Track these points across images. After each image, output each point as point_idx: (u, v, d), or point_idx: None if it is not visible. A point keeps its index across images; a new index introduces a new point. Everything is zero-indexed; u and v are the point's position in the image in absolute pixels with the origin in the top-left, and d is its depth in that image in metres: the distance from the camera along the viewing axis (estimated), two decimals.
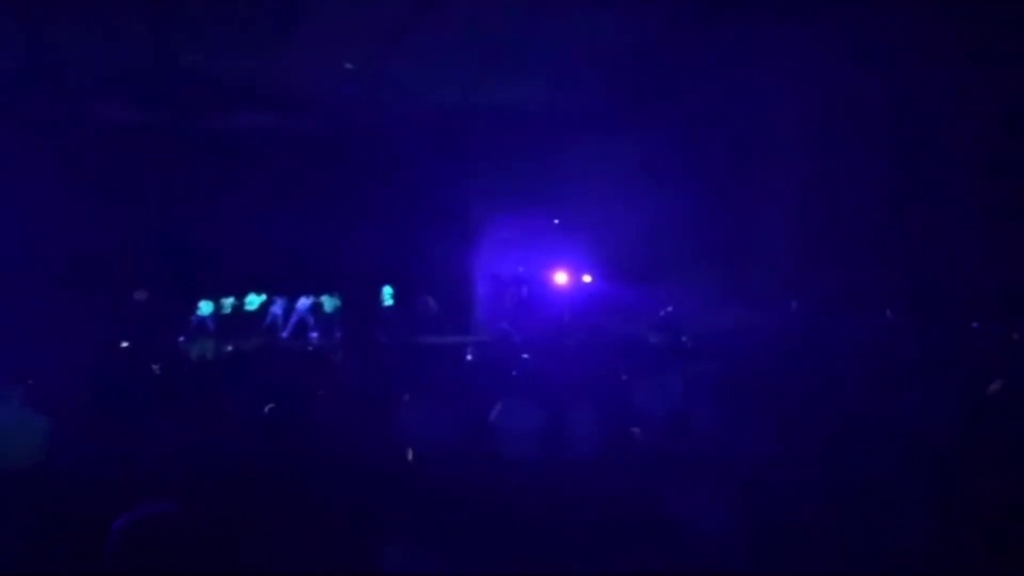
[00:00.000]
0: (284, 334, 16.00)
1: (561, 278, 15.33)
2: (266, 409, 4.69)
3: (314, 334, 16.10)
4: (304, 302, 16.33)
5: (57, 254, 13.53)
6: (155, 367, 7.54)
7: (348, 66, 13.16)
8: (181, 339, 14.84)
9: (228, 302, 16.02)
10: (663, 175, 14.10)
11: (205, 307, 15.80)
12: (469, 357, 9.41)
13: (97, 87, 13.30)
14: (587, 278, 15.41)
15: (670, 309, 13.79)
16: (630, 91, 14.03)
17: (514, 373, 6.21)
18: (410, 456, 4.30)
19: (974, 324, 9.56)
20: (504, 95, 14.46)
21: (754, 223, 14.84)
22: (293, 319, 16.32)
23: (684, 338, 9.07)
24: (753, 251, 14.74)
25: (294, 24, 12.32)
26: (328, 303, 16.51)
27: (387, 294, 16.33)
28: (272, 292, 16.26)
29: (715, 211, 14.69)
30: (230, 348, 12.55)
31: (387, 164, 14.52)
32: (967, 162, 12.18)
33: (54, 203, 13.45)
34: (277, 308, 16.31)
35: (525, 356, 7.62)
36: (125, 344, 11.50)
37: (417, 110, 14.50)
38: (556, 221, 15.81)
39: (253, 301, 16.23)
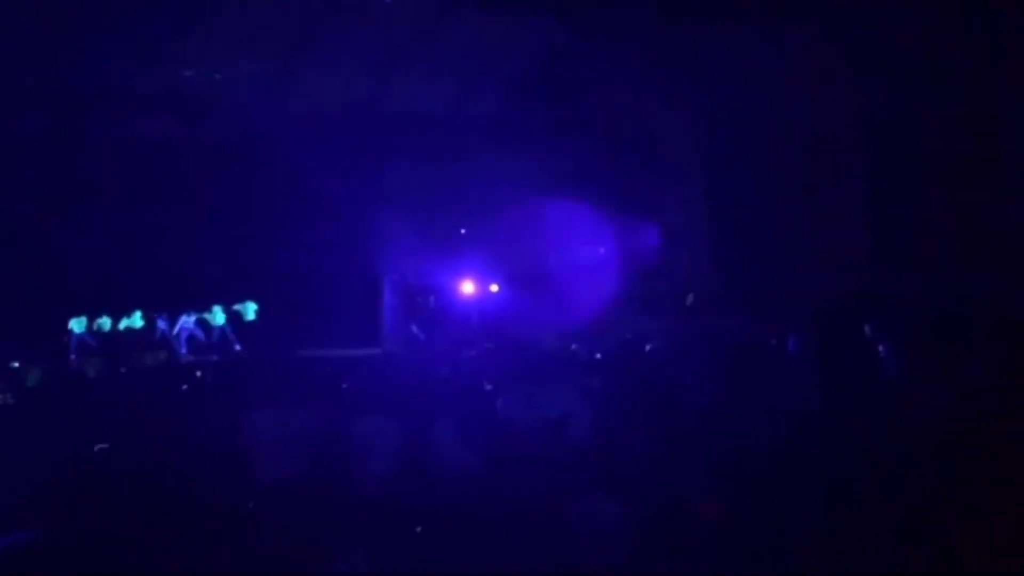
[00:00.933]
0: (183, 350, 15.43)
1: (468, 287, 15.26)
2: None
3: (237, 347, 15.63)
4: (187, 317, 15.73)
5: None
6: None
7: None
8: (72, 357, 14.24)
9: (105, 320, 15.29)
10: (568, 183, 14.19)
11: (77, 324, 14.98)
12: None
13: None
14: (494, 287, 15.38)
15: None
16: (532, 98, 14.14)
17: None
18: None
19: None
20: (408, 100, 14.40)
21: (664, 229, 15.02)
22: (183, 334, 15.70)
23: (574, 346, 9.09)
24: (664, 258, 14.90)
25: (185, 29, 12.08)
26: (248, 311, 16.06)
27: (250, 310, 15.92)
28: (153, 307, 15.59)
29: (622, 218, 14.84)
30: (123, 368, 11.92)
31: (280, 169, 14.17)
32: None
33: None
34: (163, 323, 15.68)
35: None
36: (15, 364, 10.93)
37: (314, 113, 14.24)
38: (463, 231, 15.76)
39: (136, 317, 15.51)
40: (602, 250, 14.98)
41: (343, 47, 13.17)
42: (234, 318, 15.92)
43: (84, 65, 12.47)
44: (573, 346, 9.07)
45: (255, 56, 13.15)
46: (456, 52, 13.78)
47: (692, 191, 14.50)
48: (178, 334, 15.64)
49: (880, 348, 6.75)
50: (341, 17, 12.61)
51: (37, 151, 13.62)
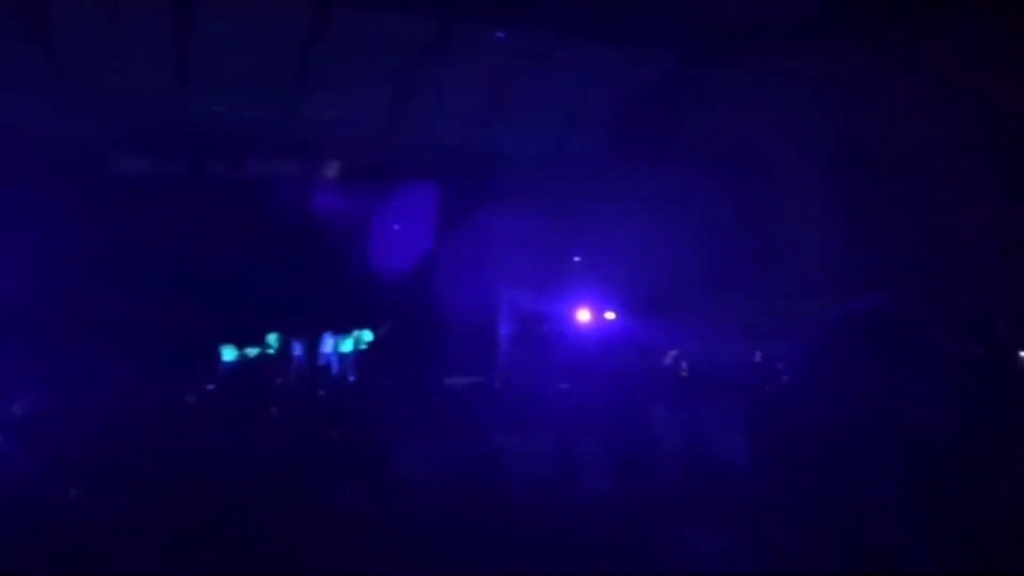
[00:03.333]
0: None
1: (584, 315, 15.20)
2: None
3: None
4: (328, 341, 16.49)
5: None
6: None
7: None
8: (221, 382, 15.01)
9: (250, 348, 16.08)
10: (684, 207, 14.08)
11: (228, 352, 15.83)
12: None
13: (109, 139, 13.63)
14: (610, 315, 15.27)
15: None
16: (632, 131, 14.14)
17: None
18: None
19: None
20: (521, 134, 14.61)
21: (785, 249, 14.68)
22: (333, 360, 16.44)
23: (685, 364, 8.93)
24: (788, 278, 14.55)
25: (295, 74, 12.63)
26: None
27: (365, 338, 16.42)
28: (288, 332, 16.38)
29: (740, 240, 14.59)
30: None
31: (395, 203, 14.62)
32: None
33: (73, 256, 13.75)
34: (298, 350, 16.43)
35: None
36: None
37: (437, 153, 14.67)
38: (577, 258, 15.77)
39: (272, 343, 16.33)
40: (721, 273, 14.70)
41: (453, 84, 13.46)
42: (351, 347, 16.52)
43: (214, 113, 13.34)
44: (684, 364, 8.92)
45: (367, 96, 13.62)
46: (565, 81, 13.88)
47: (812, 208, 14.13)
48: (310, 359, 16.34)
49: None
50: (451, 51, 12.86)
51: (179, 192, 14.61)
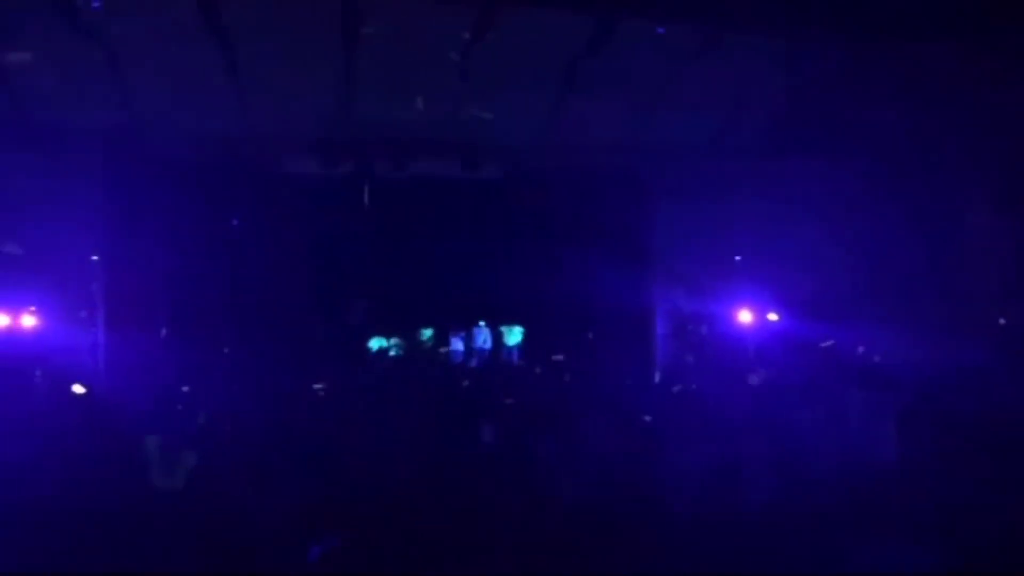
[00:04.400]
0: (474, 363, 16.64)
1: (745, 316, 14.66)
2: None
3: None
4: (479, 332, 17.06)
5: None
6: None
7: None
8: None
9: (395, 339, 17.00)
10: (849, 205, 13.40)
11: (376, 342, 16.76)
12: None
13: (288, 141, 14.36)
14: (772, 316, 14.66)
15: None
16: (810, 124, 13.53)
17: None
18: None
19: None
20: (681, 131, 14.30)
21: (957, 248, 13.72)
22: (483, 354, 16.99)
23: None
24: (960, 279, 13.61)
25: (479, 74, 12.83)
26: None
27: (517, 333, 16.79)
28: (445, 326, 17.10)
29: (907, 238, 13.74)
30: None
31: (555, 201, 14.66)
32: None
33: (254, 252, 14.66)
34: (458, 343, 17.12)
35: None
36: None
37: (596, 151, 14.59)
38: (738, 258, 15.27)
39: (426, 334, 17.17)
40: (891, 275, 13.88)
41: (613, 79, 13.30)
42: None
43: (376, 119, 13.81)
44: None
45: (528, 94, 13.69)
46: (727, 74, 13.44)
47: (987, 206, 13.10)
48: (468, 351, 16.99)
49: None
50: (612, 48, 12.70)
51: (344, 192, 15.29)
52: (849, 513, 3.71)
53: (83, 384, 9.83)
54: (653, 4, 11.75)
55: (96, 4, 11.08)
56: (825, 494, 3.92)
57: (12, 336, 12.49)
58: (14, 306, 12.61)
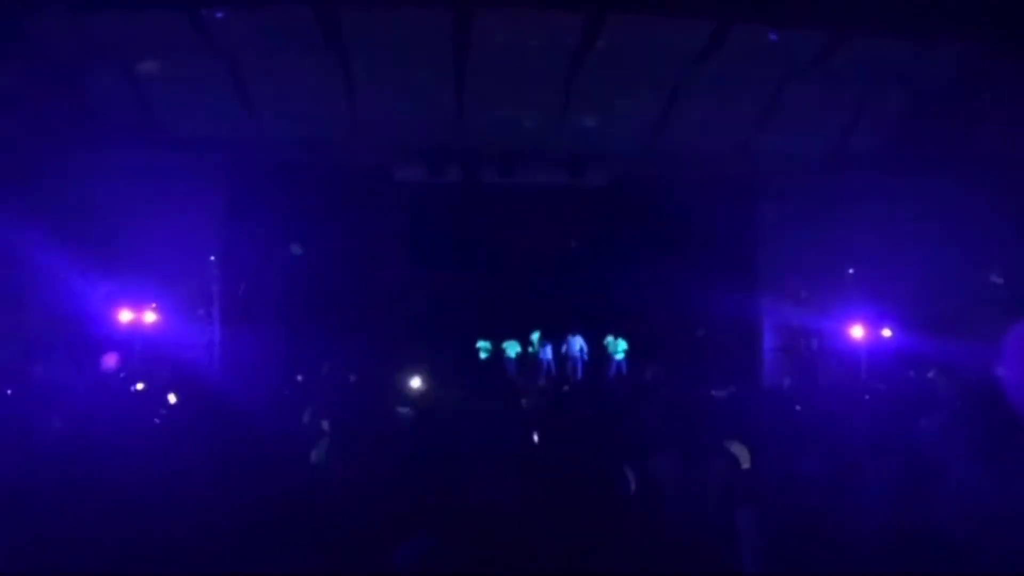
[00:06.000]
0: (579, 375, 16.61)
1: (857, 331, 14.12)
2: None
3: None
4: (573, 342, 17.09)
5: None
6: None
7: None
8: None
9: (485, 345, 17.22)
10: (968, 222, 12.84)
11: (483, 349, 17.05)
12: None
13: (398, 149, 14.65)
14: (887, 332, 14.10)
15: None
16: (921, 134, 13.04)
17: None
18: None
19: None
20: (796, 142, 13.96)
21: None
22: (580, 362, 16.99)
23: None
24: None
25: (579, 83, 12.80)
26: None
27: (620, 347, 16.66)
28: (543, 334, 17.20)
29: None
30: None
31: (675, 214, 14.46)
32: None
33: (363, 256, 15.03)
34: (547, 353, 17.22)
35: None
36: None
37: (706, 160, 14.37)
38: (851, 271, 14.78)
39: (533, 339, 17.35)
40: (1010, 290, 13.22)
41: (724, 88, 13.07)
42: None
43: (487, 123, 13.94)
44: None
45: (636, 103, 13.58)
46: (845, 80, 13.05)
47: None
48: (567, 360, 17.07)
49: None
50: (723, 55, 12.48)
51: (452, 198, 15.52)
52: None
53: (194, 386, 10.15)
54: (769, 10, 11.49)
55: (219, 15, 11.55)
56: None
57: (135, 330, 13.10)
58: (138, 302, 13.21)
